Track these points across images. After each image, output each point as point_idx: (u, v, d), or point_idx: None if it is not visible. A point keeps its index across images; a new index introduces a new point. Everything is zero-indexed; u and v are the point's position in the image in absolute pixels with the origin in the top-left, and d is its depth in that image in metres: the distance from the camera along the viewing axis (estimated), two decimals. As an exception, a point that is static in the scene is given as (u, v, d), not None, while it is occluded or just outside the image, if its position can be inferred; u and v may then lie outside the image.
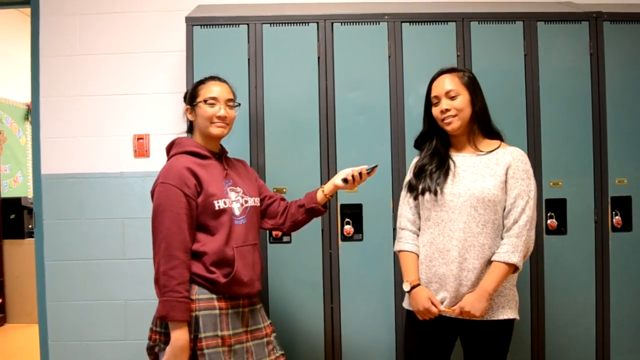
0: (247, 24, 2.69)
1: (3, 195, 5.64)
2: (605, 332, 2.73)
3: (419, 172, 2.21)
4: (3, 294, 5.41)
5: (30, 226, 5.54)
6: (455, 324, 2.11)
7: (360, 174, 2.20)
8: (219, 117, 2.13)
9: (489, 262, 2.04)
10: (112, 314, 3.16)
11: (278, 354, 2.16)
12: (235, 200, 2.09)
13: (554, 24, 2.74)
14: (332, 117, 2.69)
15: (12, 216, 5.53)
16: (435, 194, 2.11)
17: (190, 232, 2.00)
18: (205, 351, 1.93)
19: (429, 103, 2.21)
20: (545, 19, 2.73)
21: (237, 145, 2.62)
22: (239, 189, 2.14)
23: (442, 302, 2.08)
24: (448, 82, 2.14)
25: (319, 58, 2.69)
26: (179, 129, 2.41)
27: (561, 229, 2.72)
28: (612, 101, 2.74)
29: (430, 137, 2.24)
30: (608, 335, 2.73)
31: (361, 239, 2.69)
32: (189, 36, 2.68)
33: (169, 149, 2.19)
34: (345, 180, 2.21)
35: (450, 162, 2.16)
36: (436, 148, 2.21)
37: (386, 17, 2.71)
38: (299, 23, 2.70)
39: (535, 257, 2.69)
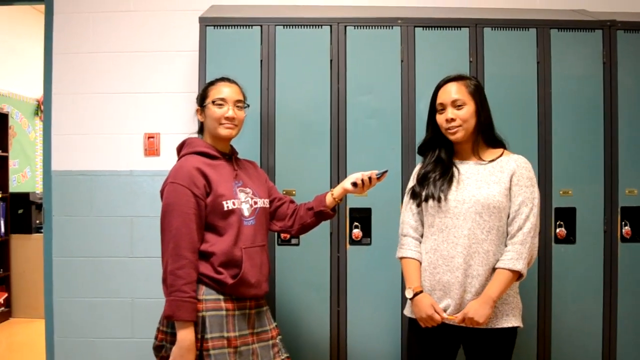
0: (260, 25, 2.70)
1: (11, 190, 5.65)
2: (612, 342, 2.71)
3: (423, 179, 2.19)
4: (9, 289, 5.43)
5: (37, 221, 5.57)
6: (458, 332, 2.09)
7: (370, 178, 2.20)
8: (227, 118, 2.13)
9: (493, 269, 2.04)
10: (118, 312, 3.17)
11: (283, 357, 2.15)
12: (244, 201, 2.09)
13: (568, 31, 2.73)
14: (343, 120, 2.69)
15: (20, 211, 5.56)
16: (439, 200, 2.10)
17: (199, 232, 2.00)
18: (211, 352, 1.93)
19: (433, 109, 2.20)
20: (558, 27, 2.73)
21: (247, 146, 2.62)
22: (248, 190, 2.14)
23: (445, 310, 2.06)
24: (455, 91, 2.11)
25: (331, 61, 2.69)
26: (190, 129, 2.41)
27: (570, 238, 2.71)
28: (624, 110, 2.73)
29: (433, 144, 2.23)
30: (615, 345, 2.71)
31: (369, 243, 2.69)
32: (202, 36, 2.69)
33: (180, 149, 2.20)
34: (354, 185, 2.21)
35: (454, 169, 2.15)
36: (440, 156, 2.20)
37: (399, 21, 2.71)
38: (312, 25, 2.70)
39: (544, 266, 2.68)
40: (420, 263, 2.16)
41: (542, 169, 2.68)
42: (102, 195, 3.19)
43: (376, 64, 2.71)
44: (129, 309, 3.16)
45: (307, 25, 2.70)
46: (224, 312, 2.00)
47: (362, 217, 2.69)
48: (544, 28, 2.72)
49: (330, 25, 2.69)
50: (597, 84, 2.73)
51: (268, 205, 2.23)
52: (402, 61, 2.70)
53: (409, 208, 2.23)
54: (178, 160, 2.15)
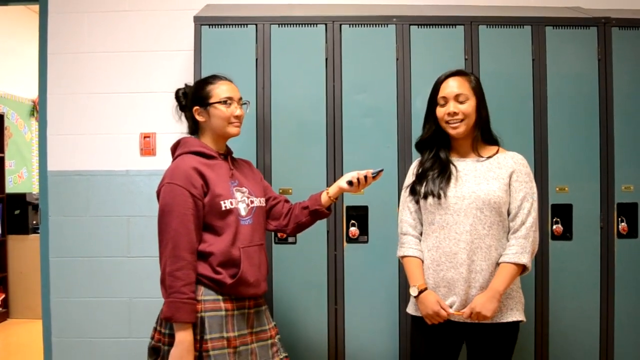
0: (256, 24, 2.69)
1: (8, 191, 5.64)
2: (610, 338, 2.72)
3: (421, 176, 2.20)
4: (6, 290, 5.43)
5: (34, 222, 5.56)
6: (462, 328, 2.10)
7: (365, 177, 2.20)
8: (236, 117, 2.13)
9: (495, 263, 2.05)
10: (116, 312, 3.16)
11: (282, 356, 2.15)
12: (241, 201, 2.09)
13: (563, 29, 2.73)
14: (339, 118, 2.69)
15: (17, 212, 5.55)
16: (439, 197, 2.10)
17: (197, 232, 1.99)
18: (211, 352, 1.93)
19: (432, 104, 2.20)
20: (553, 24, 2.73)
21: (243, 146, 2.61)
22: (244, 189, 2.13)
23: (450, 307, 2.07)
24: (458, 85, 2.12)
25: (326, 59, 2.69)
26: (186, 129, 2.40)
27: (567, 235, 2.71)
28: (619, 107, 2.73)
29: (432, 140, 2.23)
30: (612, 341, 2.72)
31: (366, 241, 2.69)
32: (197, 35, 2.68)
33: (174, 149, 2.18)
34: (350, 183, 2.20)
35: (452, 166, 2.16)
36: (438, 153, 2.20)
37: (394, 19, 2.71)
38: (307, 24, 2.70)
39: (541, 262, 2.69)
40: (422, 261, 2.17)
41: (538, 166, 2.69)
42: (98, 195, 3.18)
43: (371, 63, 2.70)
44: (126, 308, 3.16)
45: (302, 24, 2.70)
46: (223, 313, 1.99)
47: (359, 215, 2.69)
48: (539, 25, 2.72)
49: (326, 24, 2.69)
50: (593, 80, 2.73)
51: (264, 204, 2.23)
52: (397, 59, 2.70)
53: (406, 206, 2.23)
54: (173, 160, 2.13)
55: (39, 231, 3.33)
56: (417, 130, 2.59)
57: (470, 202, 2.06)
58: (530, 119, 2.71)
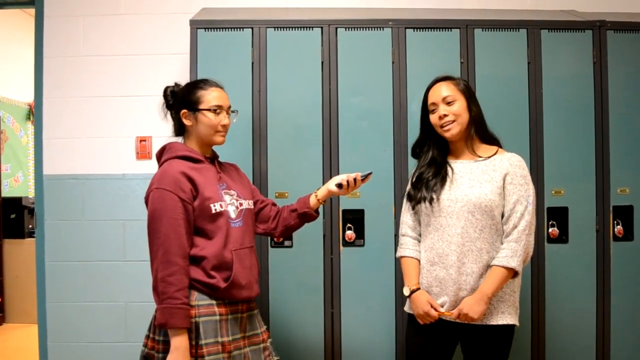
0: (252, 28, 2.69)
1: (3, 195, 5.63)
2: (606, 341, 2.72)
3: (417, 181, 2.23)
4: (2, 294, 5.40)
5: (30, 226, 5.54)
6: (456, 328, 2.12)
7: (355, 180, 2.20)
8: (223, 126, 2.12)
9: (487, 266, 2.06)
10: (112, 316, 3.16)
11: (274, 359, 2.15)
12: (230, 203, 2.08)
13: (558, 32, 2.74)
14: (335, 122, 2.69)
15: (13, 216, 5.53)
16: (431, 202, 2.13)
17: (188, 237, 1.97)
18: (207, 358, 1.91)
19: (425, 111, 2.23)
20: (549, 27, 2.74)
21: (239, 149, 2.62)
22: (233, 192, 2.12)
23: (442, 306, 2.10)
24: (444, 89, 2.16)
25: (322, 63, 2.69)
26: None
27: (562, 238, 2.72)
28: (615, 110, 2.74)
29: (427, 145, 2.26)
30: (608, 344, 2.73)
31: (362, 245, 2.69)
32: (193, 39, 2.68)
33: (160, 154, 2.16)
34: (339, 186, 2.20)
35: (448, 168, 2.18)
36: (433, 156, 2.22)
37: (390, 23, 2.71)
38: (303, 28, 2.70)
39: (537, 265, 2.69)
40: (419, 261, 2.20)
41: (534, 169, 2.69)
42: (94, 199, 3.18)
43: (367, 66, 2.71)
44: (122, 312, 3.15)
45: (298, 28, 2.70)
46: (217, 317, 1.98)
47: (355, 218, 2.69)
48: (534, 29, 2.73)
49: (322, 27, 2.70)
50: (588, 83, 2.74)
51: (253, 207, 2.22)
52: (393, 62, 2.70)
53: (406, 209, 2.27)
54: (160, 165, 2.11)
55: (34, 235, 3.32)
56: (413, 133, 2.61)
57: (462, 205, 2.08)
58: (526, 122, 2.72)
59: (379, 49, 2.71)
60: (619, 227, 2.73)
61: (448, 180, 2.15)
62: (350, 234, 2.67)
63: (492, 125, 2.23)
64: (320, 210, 2.32)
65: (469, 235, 2.06)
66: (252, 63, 2.69)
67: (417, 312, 2.13)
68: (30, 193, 6.29)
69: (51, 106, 3.21)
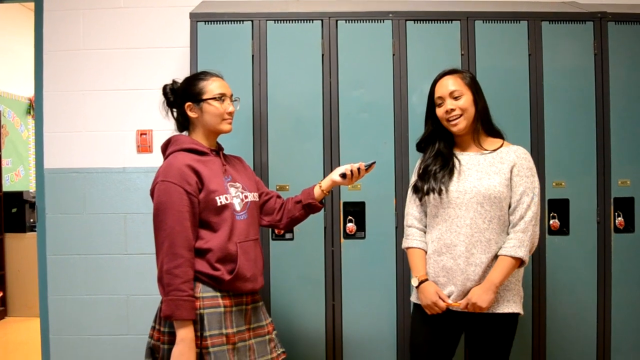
0: (252, 21, 2.69)
1: (5, 189, 5.63)
2: (607, 332, 2.73)
3: (423, 173, 2.24)
4: (4, 288, 5.42)
5: (31, 220, 5.54)
6: (461, 318, 2.14)
7: (358, 169, 2.21)
8: (229, 113, 2.13)
9: (495, 257, 2.08)
10: (113, 309, 3.16)
11: (279, 352, 2.15)
12: (235, 196, 2.08)
13: (559, 24, 2.74)
14: (336, 114, 2.69)
15: (14, 210, 5.54)
16: (440, 193, 2.14)
17: (193, 229, 1.98)
18: (211, 349, 1.92)
19: (432, 105, 2.24)
20: (549, 19, 2.73)
21: (240, 143, 2.62)
22: (238, 185, 2.13)
23: (449, 297, 2.11)
24: (451, 83, 2.16)
25: (323, 55, 2.69)
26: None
27: (563, 230, 2.72)
28: (616, 102, 2.74)
29: (433, 138, 2.27)
30: (609, 335, 2.73)
31: (364, 237, 2.69)
32: (193, 32, 2.68)
33: (165, 147, 2.15)
34: (343, 176, 2.21)
35: (455, 160, 2.19)
36: (439, 149, 2.24)
37: (391, 15, 2.70)
38: (304, 20, 2.69)
39: (538, 257, 2.69)
40: (425, 252, 2.22)
41: (535, 161, 2.64)
42: (95, 193, 3.18)
43: (368, 58, 2.70)
44: (124, 305, 3.16)
45: (298, 20, 2.69)
46: (222, 309, 1.99)
47: (356, 211, 2.69)
48: (535, 20, 2.72)
49: (322, 20, 2.69)
50: (589, 75, 2.74)
51: (257, 199, 2.23)
52: (393, 55, 2.70)
53: (412, 200, 2.29)
54: (165, 158, 2.11)
55: (36, 229, 3.33)
56: (414, 126, 2.62)
57: (471, 197, 2.10)
58: (527, 114, 2.71)
59: (380, 41, 2.70)
60: (620, 219, 2.73)
61: (456, 172, 2.16)
62: (351, 226, 2.67)
63: (494, 117, 2.24)
64: (323, 203, 2.32)
65: (478, 226, 2.08)
66: (253, 56, 2.68)
67: (424, 303, 2.14)
68: (32, 187, 6.29)
69: (51, 100, 3.21)
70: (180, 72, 3.08)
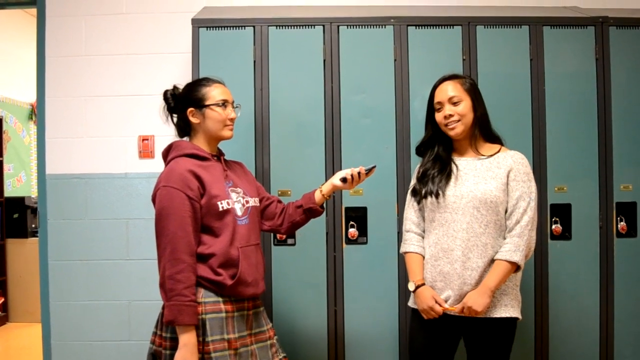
0: (253, 26, 2.69)
1: (6, 195, 5.64)
2: (609, 337, 2.72)
3: (422, 177, 2.25)
4: (5, 293, 5.42)
5: (33, 225, 5.55)
6: (459, 323, 2.14)
7: (359, 173, 2.21)
8: (230, 120, 2.14)
9: (492, 261, 2.09)
10: (115, 314, 3.16)
11: (281, 357, 2.15)
12: (236, 201, 2.08)
13: (560, 28, 2.74)
14: (338, 120, 2.69)
15: (16, 215, 5.54)
16: (437, 196, 2.15)
17: (195, 235, 1.98)
18: (213, 355, 1.92)
19: (431, 109, 2.25)
20: (551, 24, 2.73)
21: (242, 148, 2.62)
22: (239, 190, 2.13)
23: (446, 301, 2.12)
24: (451, 89, 2.17)
25: (324, 61, 2.69)
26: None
27: (566, 234, 2.71)
28: (617, 106, 2.74)
29: (432, 142, 2.28)
30: (612, 340, 2.72)
31: (365, 242, 2.69)
32: (195, 38, 2.68)
33: (166, 153, 2.15)
34: (344, 180, 2.22)
35: (453, 165, 2.20)
36: (438, 153, 2.25)
37: (392, 20, 2.71)
38: (305, 26, 2.70)
39: (540, 262, 2.69)
40: (423, 257, 2.22)
41: (537, 166, 2.69)
42: (97, 198, 3.18)
43: (369, 64, 2.71)
44: (125, 311, 3.16)
45: (300, 26, 2.70)
46: (223, 314, 1.99)
47: (358, 216, 2.69)
48: (536, 25, 2.73)
49: (323, 25, 2.69)
50: (591, 80, 2.74)
51: (258, 204, 2.23)
52: (395, 60, 2.70)
53: (411, 205, 2.29)
54: (166, 164, 2.11)
55: (37, 234, 3.33)
56: (415, 131, 2.62)
57: (467, 201, 2.10)
58: (529, 119, 2.71)
59: (381, 46, 2.71)
60: (622, 223, 2.72)
61: (453, 176, 2.17)
62: (353, 231, 2.67)
63: (495, 122, 2.24)
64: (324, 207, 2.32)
65: (474, 230, 2.08)
66: (254, 61, 2.69)
67: (421, 307, 2.15)
68: (33, 193, 6.30)
69: (53, 106, 3.21)
70: (182, 78, 3.07)
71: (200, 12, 2.86)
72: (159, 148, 3.14)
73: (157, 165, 3.14)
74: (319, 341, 2.68)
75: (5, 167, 5.79)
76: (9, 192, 5.88)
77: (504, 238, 2.11)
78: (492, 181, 2.10)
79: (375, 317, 2.70)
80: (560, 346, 2.72)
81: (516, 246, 2.05)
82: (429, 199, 2.18)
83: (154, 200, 2.02)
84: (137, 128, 3.20)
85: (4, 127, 5.82)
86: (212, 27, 2.68)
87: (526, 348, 2.69)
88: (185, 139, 2.21)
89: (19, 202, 5.58)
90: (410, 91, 2.69)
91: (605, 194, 2.72)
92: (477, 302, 2.03)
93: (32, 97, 6.40)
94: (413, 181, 2.31)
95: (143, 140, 3.18)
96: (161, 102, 2.23)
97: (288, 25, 2.70)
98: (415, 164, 2.38)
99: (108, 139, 3.20)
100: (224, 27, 2.69)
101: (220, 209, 2.02)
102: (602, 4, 3.13)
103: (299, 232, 2.47)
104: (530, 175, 2.14)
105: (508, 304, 2.10)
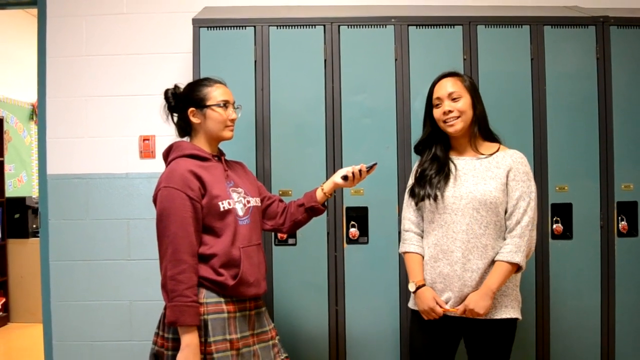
0: (254, 26, 2.69)
1: (7, 195, 5.64)
2: (611, 336, 2.72)
3: (420, 178, 2.24)
4: (7, 294, 5.42)
5: (34, 226, 5.55)
6: (459, 324, 2.13)
7: (360, 171, 2.21)
8: (231, 120, 2.14)
9: (492, 262, 2.07)
10: (116, 315, 3.16)
11: (283, 357, 2.15)
12: (237, 201, 2.08)
13: (561, 28, 2.74)
14: (338, 119, 2.69)
15: (17, 216, 5.54)
16: (435, 199, 2.14)
17: (197, 235, 1.98)
18: (215, 355, 1.92)
19: (430, 105, 2.24)
20: (552, 23, 2.73)
21: (242, 148, 2.62)
22: (240, 190, 2.13)
23: (446, 302, 2.11)
24: (451, 85, 2.16)
25: (325, 61, 2.69)
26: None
27: (567, 234, 2.71)
28: (618, 106, 2.73)
29: (430, 141, 2.26)
30: (613, 340, 2.72)
31: (366, 242, 2.69)
32: (196, 38, 2.68)
33: (167, 153, 2.15)
34: (345, 178, 2.22)
35: (451, 165, 2.19)
36: (436, 153, 2.23)
37: (393, 20, 2.71)
38: (306, 26, 2.70)
39: (541, 262, 2.69)
40: (422, 257, 2.20)
41: (538, 165, 2.69)
42: (98, 198, 3.18)
43: (370, 63, 2.71)
44: (127, 311, 3.16)
45: (300, 26, 2.70)
46: (225, 315, 1.98)
47: (359, 216, 2.69)
48: (537, 25, 2.73)
49: (324, 25, 2.69)
50: (591, 79, 2.74)
51: (260, 204, 2.23)
52: (396, 60, 2.70)
53: (409, 204, 2.28)
54: (167, 164, 2.11)
55: (38, 235, 3.33)
56: (416, 131, 2.61)
57: (467, 202, 2.09)
58: (530, 119, 2.71)
59: (382, 46, 2.71)
60: (623, 223, 2.72)
61: (452, 177, 2.15)
62: (354, 231, 2.67)
63: (496, 122, 2.24)
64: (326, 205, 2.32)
65: (474, 231, 2.07)
66: (255, 61, 2.69)
67: (422, 308, 2.14)
68: (34, 193, 6.29)
69: (54, 106, 3.21)
70: (183, 78, 3.07)
71: (200, 12, 2.86)
72: (160, 148, 3.14)
73: (158, 165, 3.13)
74: (320, 341, 2.68)
75: (6, 167, 5.79)
76: (10, 192, 5.87)
77: (504, 238, 2.10)
78: (491, 181, 2.09)
79: (377, 316, 2.70)
80: (562, 345, 2.72)
81: (517, 247, 2.04)
82: (427, 201, 2.17)
83: (155, 201, 2.02)
84: (137, 128, 3.20)
85: (5, 128, 5.82)
86: (213, 27, 2.68)
87: (527, 348, 2.69)
88: (185, 139, 2.21)
89: (20, 203, 5.58)
90: (411, 91, 2.69)
91: (606, 193, 2.72)
92: (478, 304, 2.02)
93: (33, 97, 6.40)
94: (411, 181, 2.30)
95: (144, 140, 3.18)
96: (162, 102, 2.23)
97: (289, 25, 2.70)
98: (416, 163, 2.38)
99: (109, 139, 3.20)
100: (225, 27, 2.69)
101: (222, 209, 2.02)
102: (603, 3, 3.13)
103: (300, 232, 2.47)
104: (529, 175, 2.13)
105: (508, 305, 2.09)
